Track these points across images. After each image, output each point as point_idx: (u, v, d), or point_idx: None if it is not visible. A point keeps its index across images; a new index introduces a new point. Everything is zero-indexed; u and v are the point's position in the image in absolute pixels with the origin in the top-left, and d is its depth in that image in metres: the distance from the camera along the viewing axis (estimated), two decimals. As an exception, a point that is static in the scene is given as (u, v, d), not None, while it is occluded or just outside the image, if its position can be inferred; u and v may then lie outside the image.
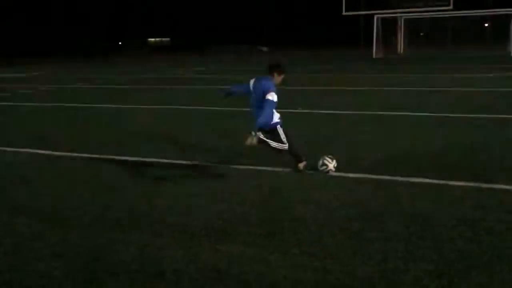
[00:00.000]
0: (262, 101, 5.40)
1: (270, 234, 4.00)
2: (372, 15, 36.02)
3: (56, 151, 7.35)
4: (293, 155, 5.83)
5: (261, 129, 5.40)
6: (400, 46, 38.82)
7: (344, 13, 32.91)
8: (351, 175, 5.65)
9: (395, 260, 3.50)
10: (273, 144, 5.60)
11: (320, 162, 5.70)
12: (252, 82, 5.72)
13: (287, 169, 5.92)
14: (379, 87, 15.19)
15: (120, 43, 72.46)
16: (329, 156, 5.76)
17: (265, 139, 5.50)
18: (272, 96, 5.37)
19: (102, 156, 6.96)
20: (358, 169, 5.87)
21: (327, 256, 3.59)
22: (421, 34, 45.21)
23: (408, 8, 38.29)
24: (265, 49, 52.62)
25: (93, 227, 4.32)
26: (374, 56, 33.85)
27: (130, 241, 3.96)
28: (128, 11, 70.67)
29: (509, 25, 32.65)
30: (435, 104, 11.04)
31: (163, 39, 77.22)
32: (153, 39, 77.15)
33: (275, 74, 5.66)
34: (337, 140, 7.49)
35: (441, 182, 5.28)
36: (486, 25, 44.74)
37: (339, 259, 3.55)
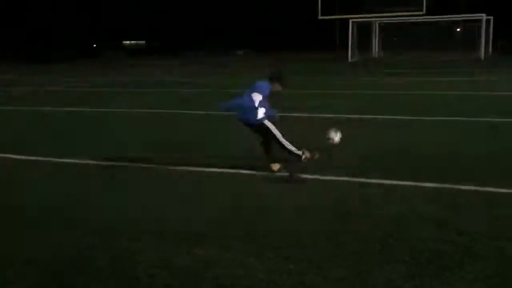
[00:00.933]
0: (255, 100, 5.77)
1: (246, 238, 4.01)
2: (347, 19, 36.45)
3: (32, 155, 7.22)
4: (271, 155, 6.00)
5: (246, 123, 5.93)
6: (375, 50, 39.40)
7: (320, 17, 33.21)
8: (326, 177, 5.71)
9: (369, 262, 3.56)
10: (279, 140, 5.90)
11: (326, 135, 6.31)
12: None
13: (264, 173, 5.95)
14: (354, 90, 15.39)
15: (94, 45, 71.52)
16: (334, 129, 6.31)
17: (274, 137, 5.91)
18: (256, 97, 5.70)
19: (75, 161, 6.87)
20: (333, 171, 5.94)
21: (303, 259, 3.63)
22: (395, 38, 45.93)
23: (382, 13, 38.93)
24: (240, 52, 52.70)
25: (66, 233, 4.26)
26: (349, 59, 34.25)
27: (105, 247, 3.92)
28: (102, 13, 69.85)
29: (479, 30, 33.50)
30: (407, 107, 11.24)
31: (139, 42, 76.48)
32: (128, 42, 76.35)
33: (275, 84, 5.95)
34: (311, 143, 7.54)
35: (414, 183, 5.39)
36: (458, 30, 45.77)
37: (315, 261, 3.58)
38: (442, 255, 3.63)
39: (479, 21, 33.22)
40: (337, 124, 9.21)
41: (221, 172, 6.06)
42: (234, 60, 42.24)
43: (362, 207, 4.70)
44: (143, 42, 75.86)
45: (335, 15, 42.32)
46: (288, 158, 6.06)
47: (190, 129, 9.19)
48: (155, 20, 71.85)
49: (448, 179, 5.51)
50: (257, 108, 5.80)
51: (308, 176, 5.74)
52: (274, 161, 5.97)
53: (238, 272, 3.44)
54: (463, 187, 5.19)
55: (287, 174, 5.83)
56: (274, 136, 5.88)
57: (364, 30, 39.40)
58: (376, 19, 38.80)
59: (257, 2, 68.41)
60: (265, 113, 5.87)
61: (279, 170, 5.89)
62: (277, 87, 5.98)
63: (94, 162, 6.78)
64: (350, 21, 35.93)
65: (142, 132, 9.02)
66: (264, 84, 5.88)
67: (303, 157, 6.07)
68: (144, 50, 70.60)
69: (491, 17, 35.66)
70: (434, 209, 4.59)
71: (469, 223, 4.21)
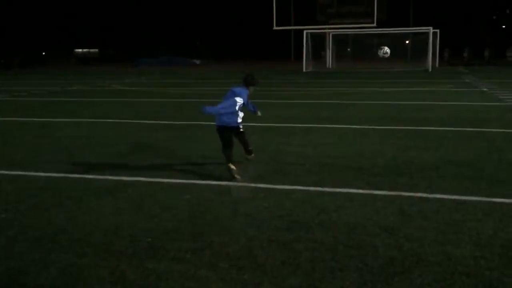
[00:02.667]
0: (240, 105, 6.14)
1: (199, 249, 3.95)
2: (302, 30, 37.08)
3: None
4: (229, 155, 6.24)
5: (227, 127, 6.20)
6: (329, 61, 40.22)
7: (275, 27, 33.59)
8: (280, 186, 5.73)
9: (322, 270, 3.58)
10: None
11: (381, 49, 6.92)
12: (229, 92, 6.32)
13: (218, 182, 5.91)
14: (308, 100, 15.61)
15: (43, 53, 69.19)
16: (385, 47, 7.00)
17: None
18: (237, 102, 6.11)
19: (24, 173, 6.58)
20: (287, 180, 5.98)
21: (256, 269, 3.60)
22: (348, 49, 47.11)
23: (335, 24, 39.85)
24: (197, 62, 52.47)
25: (10, 247, 4.05)
26: (304, 70, 34.79)
27: (51, 262, 3.75)
28: (52, 20, 67.82)
29: (427, 42, 34.87)
30: (360, 116, 11.51)
31: (91, 50, 74.68)
32: (80, 50, 74.41)
33: (251, 88, 6.38)
34: (266, 152, 7.58)
35: (366, 191, 5.49)
36: (407, 42, 47.47)
37: (268, 271, 3.57)
38: (393, 261, 3.71)
39: (427, 33, 34.60)
40: (292, 134, 9.35)
41: (174, 183, 5.97)
42: (191, 69, 41.98)
43: (315, 215, 4.74)
44: (96, 50, 74.14)
45: (290, 25, 43.01)
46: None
47: (142, 139, 9.02)
48: (108, 28, 70.48)
49: (398, 186, 5.65)
50: (237, 112, 6.20)
51: (262, 186, 5.74)
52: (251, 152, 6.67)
53: (191, 284, 3.38)
54: (413, 194, 5.34)
55: (236, 181, 5.83)
56: (245, 135, 6.51)
57: (318, 41, 40.19)
58: (330, 30, 39.68)
59: (213, 11, 68.48)
60: (249, 110, 6.53)
61: (234, 172, 6.07)
62: (252, 90, 6.43)
63: (42, 174, 6.52)
64: (305, 32, 36.56)
65: (92, 143, 8.77)
66: (243, 90, 6.28)
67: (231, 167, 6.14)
68: (97, 58, 68.98)
69: (438, 30, 37.25)
70: (385, 216, 4.68)
71: (418, 229, 4.33)
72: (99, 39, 71.75)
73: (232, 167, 6.09)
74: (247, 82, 6.37)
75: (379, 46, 44.94)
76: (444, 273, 3.49)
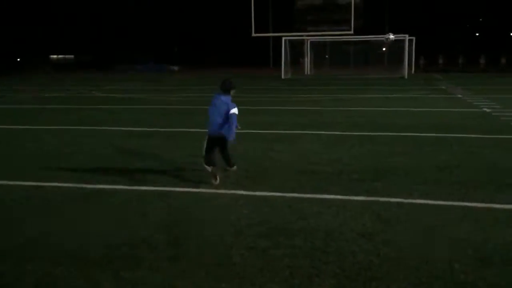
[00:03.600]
0: (225, 114, 6.15)
1: (176, 258, 3.91)
2: (280, 37, 37.31)
3: None
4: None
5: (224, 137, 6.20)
6: (307, 68, 40.53)
7: (253, 34, 33.71)
8: (259, 193, 5.73)
9: (300, 276, 3.58)
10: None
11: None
12: (212, 100, 6.36)
13: (197, 189, 5.88)
14: (286, 107, 15.69)
15: (18, 59, 67.91)
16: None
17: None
18: (236, 110, 6.20)
19: (-6, 182, 6.42)
20: (267, 187, 5.98)
21: (234, 276, 3.58)
22: (327, 56, 47.59)
23: (313, 31, 40.23)
24: (175, 68, 52.24)
25: (-19, 260, 3.94)
26: (283, 77, 34.96)
27: (25, 272, 3.66)
28: (27, 26, 66.70)
29: (403, 50, 35.47)
30: (339, 123, 11.61)
31: (66, 56, 73.56)
32: (55, 56, 73.23)
33: (231, 92, 6.38)
34: (245, 158, 7.57)
35: (344, 197, 5.53)
36: (384, 49, 48.22)
37: (247, 278, 3.55)
38: (370, 266, 3.73)
39: (403, 41, 35.20)
40: (270, 141, 9.37)
41: (151, 190, 5.90)
42: (168, 75, 41.76)
43: (293, 222, 4.74)
44: (72, 56, 73.08)
45: (268, 32, 43.26)
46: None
47: (120, 146, 8.92)
48: (85, 34, 69.65)
49: (376, 192, 5.71)
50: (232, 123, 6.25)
51: (242, 192, 5.73)
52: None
53: (168, 293, 3.34)
54: (389, 199, 5.40)
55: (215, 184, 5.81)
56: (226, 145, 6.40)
57: (297, 48, 40.51)
58: (308, 37, 40.05)
59: (191, 18, 68.39)
60: (233, 122, 6.34)
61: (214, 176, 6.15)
62: (232, 94, 6.46)
63: (17, 183, 6.38)
64: (283, 39, 36.79)
65: (68, 150, 8.63)
66: (230, 101, 6.28)
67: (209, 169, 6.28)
68: (73, 64, 67.99)
69: (413, 38, 37.93)
70: (363, 221, 4.72)
71: (395, 234, 4.37)
72: (75, 45, 70.80)
73: (209, 169, 6.14)
74: (229, 87, 6.38)
75: (357, 53, 45.64)
76: (421, 277, 3.53)
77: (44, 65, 59.84)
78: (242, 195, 5.65)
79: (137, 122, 12.25)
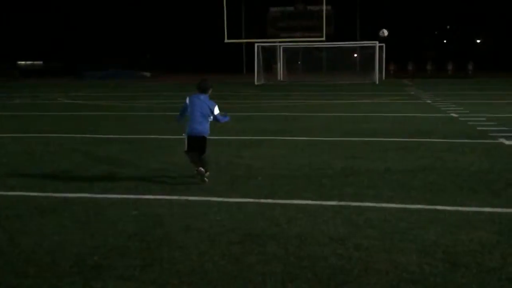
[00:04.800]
0: (208, 114, 6.42)
1: (148, 266, 3.86)
2: (253, 43, 37.48)
3: None
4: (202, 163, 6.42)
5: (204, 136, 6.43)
6: (280, 74, 40.80)
7: (226, 40, 33.75)
8: (232, 200, 5.71)
9: (274, 282, 3.58)
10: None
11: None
12: (188, 100, 6.51)
13: (168, 196, 5.82)
14: (259, 113, 15.74)
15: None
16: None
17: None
18: (217, 109, 6.50)
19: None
20: (239, 193, 5.97)
21: (207, 284, 3.56)
22: (299, 62, 48.03)
23: (285, 38, 40.55)
24: (147, 74, 51.79)
25: None
26: (256, 83, 35.09)
27: (-11, 286, 3.54)
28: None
29: (373, 56, 36.13)
30: (311, 128, 11.71)
31: (35, 62, 71.92)
32: (23, 62, 71.50)
33: (209, 92, 6.60)
34: (218, 165, 7.54)
35: (316, 202, 5.57)
36: (355, 55, 48.97)
37: (220, 285, 3.53)
38: (342, 270, 3.76)
39: (373, 47, 35.85)
40: (243, 147, 9.36)
41: (121, 198, 5.81)
42: (139, 81, 41.36)
43: (266, 228, 4.75)
44: (40, 62, 71.51)
45: (241, 38, 43.38)
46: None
47: (88, 154, 8.76)
48: (54, 39, 68.33)
49: (347, 196, 5.77)
50: (208, 122, 6.48)
51: (214, 199, 5.70)
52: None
53: (139, 303, 3.28)
54: (360, 204, 5.46)
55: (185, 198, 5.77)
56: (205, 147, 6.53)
57: (270, 54, 40.76)
58: (281, 43, 40.37)
59: (163, 23, 67.97)
60: (221, 120, 6.67)
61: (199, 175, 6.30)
62: (210, 93, 6.64)
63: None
64: (256, 45, 36.97)
65: (33, 158, 8.43)
66: (210, 100, 6.51)
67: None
68: (42, 70, 66.47)
69: (383, 44, 38.67)
70: (335, 226, 4.76)
71: (366, 238, 4.42)
72: (43, 51, 69.34)
73: (201, 170, 6.29)
74: (206, 86, 6.54)
75: (329, 59, 46.24)
76: (391, 280, 3.57)
77: (12, 71, 58.30)
78: (214, 201, 5.63)
79: (104, 129, 12.08)
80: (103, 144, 9.82)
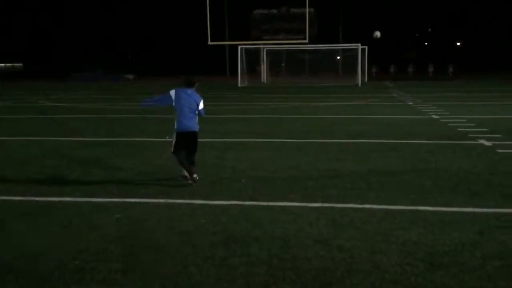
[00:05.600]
0: (195, 109, 6.44)
1: (130, 270, 3.83)
2: (237, 45, 37.49)
3: None
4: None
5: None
6: (264, 76, 40.87)
7: (209, 42, 33.69)
8: (216, 202, 5.70)
9: (257, 284, 3.58)
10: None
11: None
12: (174, 93, 6.47)
13: (151, 200, 5.79)
14: (243, 115, 15.74)
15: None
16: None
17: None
18: (203, 104, 6.54)
19: None
20: (223, 196, 5.96)
21: (190, 287, 3.54)
22: (283, 64, 48.19)
23: (269, 40, 40.66)
24: (130, 77, 51.39)
25: None
26: (239, 85, 35.09)
27: (-33, 292, 3.48)
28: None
29: (356, 58, 36.43)
30: (295, 130, 11.75)
31: (15, 64, 70.82)
32: (3, 65, 70.38)
33: (196, 86, 6.61)
34: (202, 167, 7.51)
35: (300, 204, 5.59)
36: (338, 58, 49.34)
37: (203, 288, 3.52)
38: (325, 272, 3.78)
39: (356, 50, 36.15)
40: (227, 149, 9.35)
41: (103, 202, 5.76)
42: (121, 84, 41.04)
43: (250, 230, 4.75)
44: (21, 64, 70.43)
45: (224, 41, 43.35)
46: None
47: (70, 157, 8.66)
48: (34, 41, 67.36)
49: (331, 198, 5.80)
50: (196, 117, 6.51)
51: (198, 202, 5.69)
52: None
53: (122, 307, 3.26)
54: (344, 205, 5.50)
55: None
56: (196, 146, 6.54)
57: (253, 56, 40.82)
58: (264, 46, 40.44)
59: (146, 25, 67.57)
60: (202, 114, 6.61)
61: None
62: (196, 88, 6.67)
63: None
64: (239, 47, 36.98)
65: (14, 162, 8.30)
66: (197, 94, 6.54)
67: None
68: (22, 73, 65.47)
69: (366, 47, 39.02)
70: (318, 228, 4.79)
71: (349, 239, 4.46)
72: (24, 53, 68.30)
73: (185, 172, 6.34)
74: (193, 80, 6.58)
75: (312, 61, 46.50)
76: (374, 281, 3.61)
77: None
78: (198, 204, 5.61)
79: (87, 132, 11.95)
80: (86, 147, 9.72)
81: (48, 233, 4.73)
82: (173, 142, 6.44)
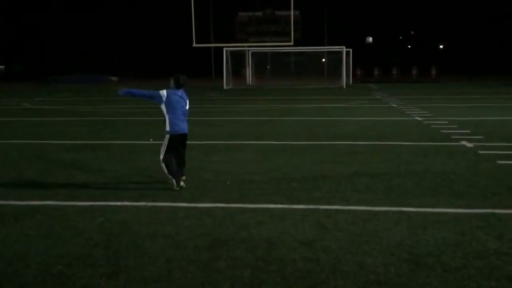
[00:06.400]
0: (186, 110, 6.48)
1: (114, 274, 3.79)
2: (222, 47, 37.47)
3: None
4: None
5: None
6: (249, 78, 40.90)
7: (194, 45, 33.60)
8: (201, 205, 5.68)
9: (242, 287, 3.57)
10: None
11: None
12: (166, 94, 6.34)
13: (135, 203, 5.74)
14: (228, 117, 15.72)
15: None
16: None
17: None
18: (188, 104, 6.54)
19: None
20: (208, 198, 5.94)
21: (175, 291, 3.52)
22: (268, 67, 48.30)
23: (254, 42, 40.70)
24: (115, 79, 51.00)
25: None
26: (225, 87, 35.07)
27: None
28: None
29: (341, 61, 36.67)
30: (280, 132, 11.77)
31: (-2, 66, 69.74)
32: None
33: (185, 86, 6.56)
34: (187, 169, 7.47)
35: (285, 206, 5.59)
36: (323, 60, 49.59)
37: (187, 292, 3.50)
38: (310, 273, 3.79)
39: (341, 52, 36.39)
40: (212, 152, 9.32)
41: (86, 205, 5.69)
42: (106, 86, 40.70)
43: (235, 232, 4.73)
44: (3, 66, 69.38)
45: (209, 43, 43.26)
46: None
47: (52, 160, 8.55)
48: (17, 43, 66.44)
49: (315, 200, 5.82)
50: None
51: (182, 205, 5.66)
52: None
53: (105, 312, 3.22)
54: (329, 207, 5.52)
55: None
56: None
57: (238, 59, 40.82)
58: (249, 48, 40.49)
59: (131, 27, 67.14)
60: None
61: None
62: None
63: None
64: (224, 49, 36.96)
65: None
66: (183, 92, 6.50)
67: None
68: (4, 75, 64.49)
69: (350, 49, 39.32)
70: (303, 229, 4.79)
71: (334, 241, 4.47)
72: (6, 55, 67.31)
73: (175, 182, 6.27)
74: (185, 81, 6.53)
75: (297, 63, 46.69)
76: (358, 282, 3.62)
77: None
78: (182, 207, 5.58)
79: (70, 135, 11.82)
80: (69, 150, 9.60)
81: (30, 237, 4.65)
82: (164, 147, 6.31)
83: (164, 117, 6.41)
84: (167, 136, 6.35)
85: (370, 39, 23.26)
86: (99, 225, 4.98)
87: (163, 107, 6.38)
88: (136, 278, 3.72)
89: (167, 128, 6.36)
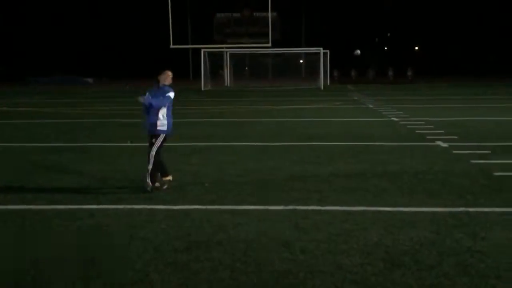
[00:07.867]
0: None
1: (90, 278, 3.73)
2: (200, 49, 37.36)
3: None
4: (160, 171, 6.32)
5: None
6: (227, 80, 40.87)
7: (172, 46, 33.40)
8: (178, 207, 5.65)
9: (220, 289, 3.56)
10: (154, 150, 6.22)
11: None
12: (173, 94, 6.46)
13: (112, 206, 5.67)
14: (206, 119, 15.68)
15: None
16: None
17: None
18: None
19: None
20: (186, 200, 5.91)
21: (152, 294, 3.49)
22: (246, 68, 48.33)
23: (232, 43, 40.70)
24: (90, 80, 50.36)
25: None
26: (203, 88, 34.96)
27: None
28: None
29: (318, 62, 36.96)
30: (258, 134, 11.79)
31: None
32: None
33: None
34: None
35: (263, 207, 5.60)
36: (301, 61, 49.89)
37: (165, 295, 3.47)
38: (288, 274, 3.80)
39: (318, 54, 36.68)
40: (190, 153, 9.27)
41: (63, 209, 5.59)
42: (81, 88, 40.12)
43: (213, 234, 4.72)
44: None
45: (187, 44, 43.11)
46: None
47: (29, 164, 8.38)
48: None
49: (294, 200, 5.85)
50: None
51: (160, 207, 5.61)
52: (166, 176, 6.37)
53: (81, 317, 3.17)
54: (307, 208, 5.55)
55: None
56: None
57: (216, 60, 40.76)
58: (227, 49, 40.47)
59: (107, 28, 66.35)
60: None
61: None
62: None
63: None
64: (202, 50, 36.86)
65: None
66: (170, 88, 6.44)
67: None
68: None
69: (328, 51, 39.66)
70: (281, 230, 4.81)
71: (312, 241, 4.50)
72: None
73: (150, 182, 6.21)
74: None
75: (275, 65, 46.86)
76: (336, 282, 3.65)
77: None
78: (160, 209, 5.54)
79: (48, 137, 11.61)
80: (48, 153, 9.43)
81: (3, 241, 4.55)
82: (159, 148, 6.27)
83: (158, 116, 6.27)
84: (163, 136, 6.31)
85: (358, 51, 23.96)
86: (75, 229, 4.90)
87: (166, 107, 6.33)
88: (113, 282, 3.68)
89: (165, 128, 6.31)
